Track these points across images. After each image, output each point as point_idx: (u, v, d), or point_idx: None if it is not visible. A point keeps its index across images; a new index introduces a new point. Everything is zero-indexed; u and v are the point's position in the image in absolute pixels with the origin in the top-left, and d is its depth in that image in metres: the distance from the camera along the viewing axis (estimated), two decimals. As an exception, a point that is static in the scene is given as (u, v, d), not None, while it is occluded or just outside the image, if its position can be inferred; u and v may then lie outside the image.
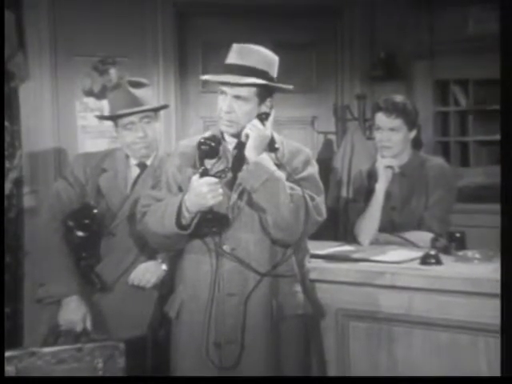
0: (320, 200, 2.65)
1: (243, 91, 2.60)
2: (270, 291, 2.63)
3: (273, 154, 2.64)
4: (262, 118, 2.63)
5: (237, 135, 2.66)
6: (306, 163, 2.73)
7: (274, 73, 2.67)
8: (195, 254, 2.68)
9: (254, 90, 2.61)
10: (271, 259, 2.64)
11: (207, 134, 2.67)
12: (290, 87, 2.71)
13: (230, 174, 2.64)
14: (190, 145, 2.73)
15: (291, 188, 2.57)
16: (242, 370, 2.60)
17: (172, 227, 2.57)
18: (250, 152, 2.57)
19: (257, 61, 2.62)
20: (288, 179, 2.60)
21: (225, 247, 2.61)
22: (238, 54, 2.63)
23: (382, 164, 3.32)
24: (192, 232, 2.59)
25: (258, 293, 2.62)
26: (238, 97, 2.60)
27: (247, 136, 2.59)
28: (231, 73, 2.60)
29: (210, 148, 2.58)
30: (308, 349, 2.77)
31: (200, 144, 2.59)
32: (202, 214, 2.56)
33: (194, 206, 2.54)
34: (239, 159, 2.65)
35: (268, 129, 2.63)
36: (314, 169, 2.75)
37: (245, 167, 2.57)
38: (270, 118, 2.64)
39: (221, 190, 2.52)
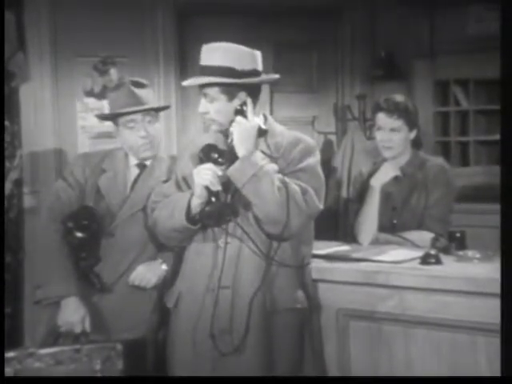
0: (314, 192, 2.62)
1: (207, 90, 2.66)
2: (264, 284, 2.63)
3: (265, 147, 2.65)
4: (240, 111, 2.63)
5: (223, 135, 2.70)
6: (305, 153, 2.69)
7: (247, 66, 2.64)
8: (195, 244, 2.70)
9: (216, 88, 2.65)
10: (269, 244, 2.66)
11: (207, 145, 2.67)
12: (253, 80, 2.67)
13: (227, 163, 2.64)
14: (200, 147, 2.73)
15: (282, 181, 2.55)
16: (235, 360, 2.60)
17: (182, 220, 2.61)
18: (238, 148, 2.58)
19: (220, 59, 2.63)
20: (283, 172, 2.60)
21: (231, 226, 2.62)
22: (204, 54, 2.68)
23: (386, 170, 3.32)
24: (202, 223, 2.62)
25: (253, 285, 2.61)
26: (205, 96, 2.67)
27: (232, 134, 2.61)
28: (197, 75, 2.67)
29: (215, 161, 2.61)
30: (302, 344, 2.75)
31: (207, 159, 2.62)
32: (214, 203, 2.57)
33: (198, 188, 2.57)
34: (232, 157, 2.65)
35: (251, 119, 2.63)
36: (314, 159, 2.70)
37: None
38: (249, 108, 2.64)
39: (219, 172, 2.56)
